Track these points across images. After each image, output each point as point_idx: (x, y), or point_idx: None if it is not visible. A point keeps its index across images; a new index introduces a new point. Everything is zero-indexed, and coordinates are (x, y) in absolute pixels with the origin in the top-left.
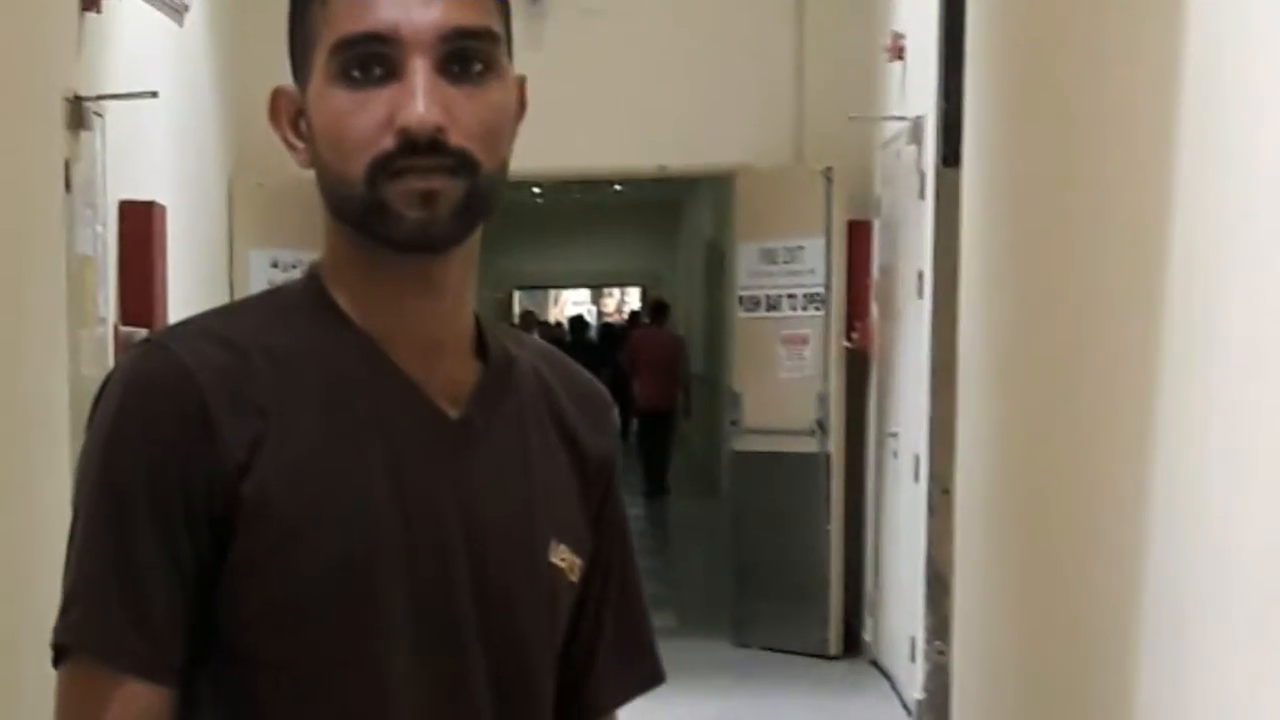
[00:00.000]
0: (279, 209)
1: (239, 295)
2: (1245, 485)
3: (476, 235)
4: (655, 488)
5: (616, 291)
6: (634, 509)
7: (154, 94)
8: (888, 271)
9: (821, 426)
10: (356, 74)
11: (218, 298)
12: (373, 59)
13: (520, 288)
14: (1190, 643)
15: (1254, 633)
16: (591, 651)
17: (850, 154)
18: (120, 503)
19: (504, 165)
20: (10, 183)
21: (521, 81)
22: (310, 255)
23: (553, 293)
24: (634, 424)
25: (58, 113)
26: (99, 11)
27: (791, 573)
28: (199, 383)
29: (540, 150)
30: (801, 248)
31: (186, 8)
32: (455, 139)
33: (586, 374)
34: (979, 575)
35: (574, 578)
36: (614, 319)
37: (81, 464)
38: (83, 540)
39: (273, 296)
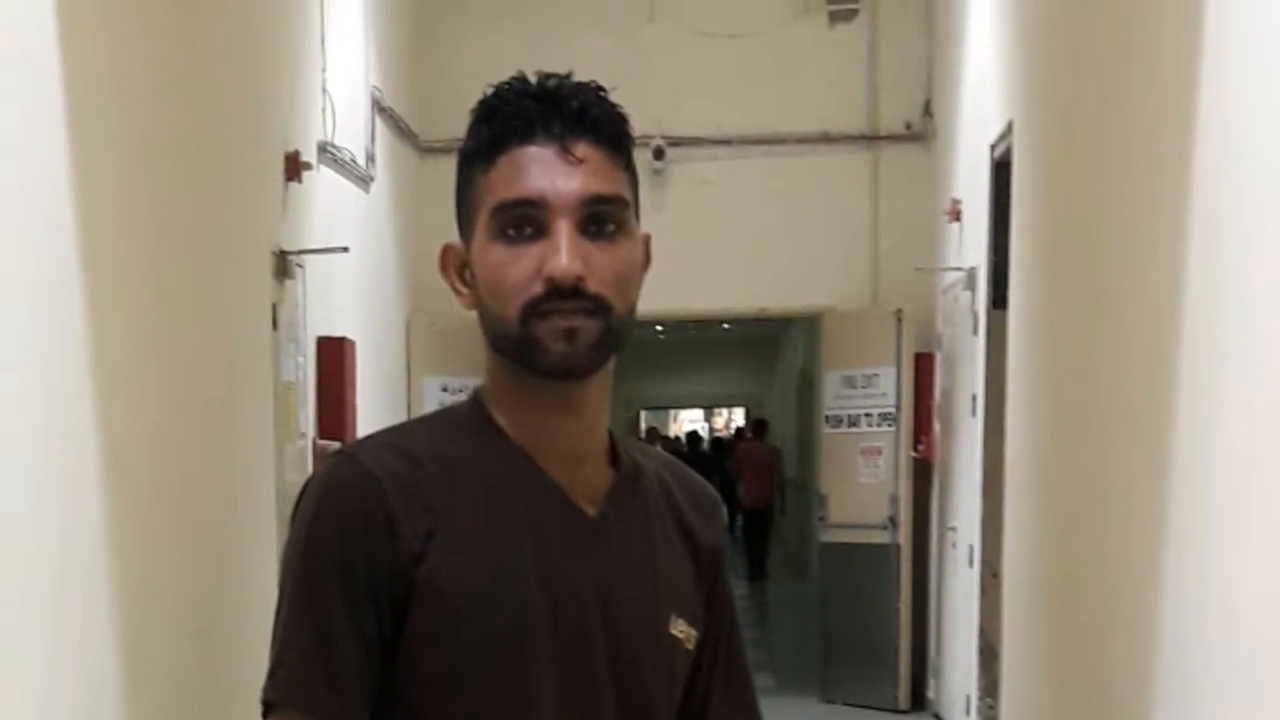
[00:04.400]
0: (448, 343)
1: (415, 414)
2: (1240, 570)
3: (610, 365)
4: (756, 572)
5: (725, 411)
6: (739, 589)
7: (345, 249)
8: (947, 395)
9: (893, 522)
10: (512, 232)
11: (397, 416)
12: (525, 220)
13: (646, 408)
14: (1196, 698)
15: (1249, 689)
16: (704, 708)
17: (917, 298)
18: (318, 585)
19: (633, 308)
20: (228, 322)
21: (647, 239)
22: (474, 381)
23: (672, 412)
24: (739, 520)
25: (266, 264)
26: (300, 181)
27: (868, 642)
28: (382, 487)
29: (663, 295)
30: (877, 375)
31: (372, 178)
32: (593, 286)
33: (700, 479)
34: (1022, 644)
35: (690, 647)
36: (723, 434)
37: (286, 553)
38: (287, 616)
39: (443, 415)
